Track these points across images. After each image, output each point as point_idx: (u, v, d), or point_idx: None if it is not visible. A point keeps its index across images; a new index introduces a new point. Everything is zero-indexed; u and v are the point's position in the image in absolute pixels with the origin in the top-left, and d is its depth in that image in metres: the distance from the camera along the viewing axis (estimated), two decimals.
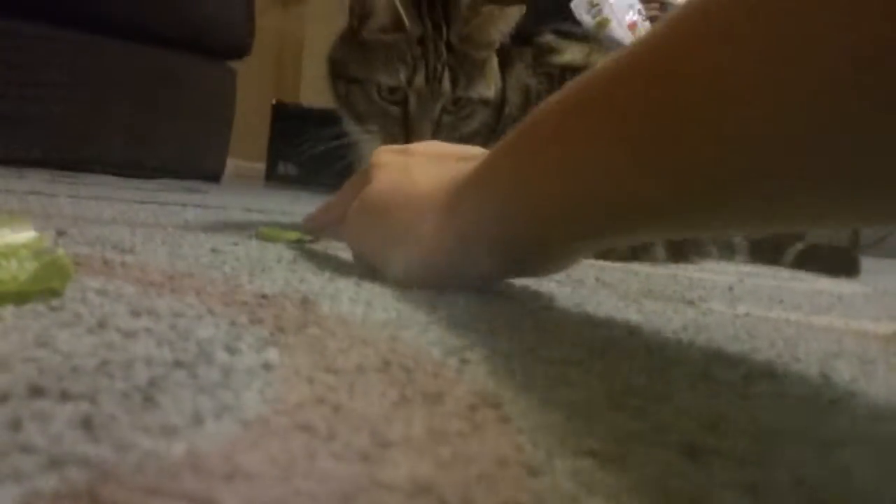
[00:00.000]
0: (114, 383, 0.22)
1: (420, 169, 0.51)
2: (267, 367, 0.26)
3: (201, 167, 2.15)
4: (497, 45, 0.86)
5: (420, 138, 0.77)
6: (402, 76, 0.80)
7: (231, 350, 0.28)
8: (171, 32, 1.99)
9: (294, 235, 0.70)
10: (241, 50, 2.24)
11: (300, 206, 1.41)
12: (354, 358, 0.29)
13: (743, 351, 0.41)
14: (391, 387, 0.26)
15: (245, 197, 1.64)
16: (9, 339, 0.26)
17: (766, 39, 0.26)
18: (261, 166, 3.13)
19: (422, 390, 0.26)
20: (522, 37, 0.93)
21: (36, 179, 1.30)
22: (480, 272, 0.48)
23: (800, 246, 1.29)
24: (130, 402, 0.21)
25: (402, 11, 0.80)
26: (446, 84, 0.81)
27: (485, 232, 0.44)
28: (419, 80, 0.80)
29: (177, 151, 2.06)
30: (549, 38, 0.96)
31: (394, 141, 0.76)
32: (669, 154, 0.31)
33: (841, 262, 1.22)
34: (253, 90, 2.90)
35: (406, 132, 0.80)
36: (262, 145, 3.08)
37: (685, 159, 0.31)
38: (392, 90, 0.81)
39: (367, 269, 0.53)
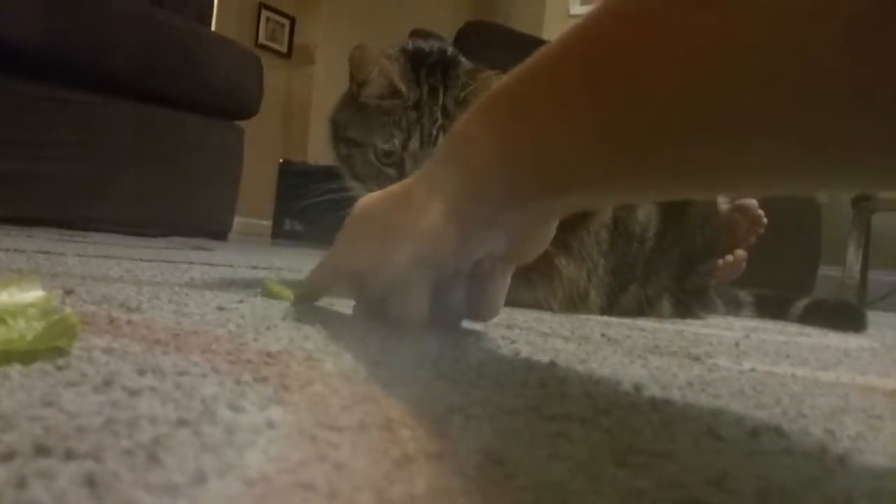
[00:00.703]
0: (118, 441, 0.23)
1: (401, 182, 0.55)
2: (270, 424, 0.26)
3: (209, 225, 2.17)
4: None
5: None
6: (397, 141, 0.82)
7: (235, 408, 0.28)
8: (181, 94, 2.03)
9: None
10: (249, 110, 2.28)
11: (306, 262, 1.42)
12: (357, 415, 0.29)
13: (748, 407, 0.40)
14: (394, 445, 0.26)
15: (251, 254, 1.65)
16: (15, 398, 0.26)
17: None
18: (267, 223, 3.16)
19: (424, 448, 0.26)
20: None
21: (44, 238, 1.31)
22: (473, 244, 0.50)
23: (806, 301, 1.29)
24: (134, 461, 0.21)
25: (397, 82, 0.82)
26: None
27: (470, 188, 0.47)
28: (414, 144, 0.82)
29: (184, 210, 2.08)
30: None
31: None
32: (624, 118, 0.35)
33: (848, 317, 1.22)
34: (261, 149, 2.94)
35: None
36: (269, 203, 3.11)
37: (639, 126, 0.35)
38: (388, 153, 0.83)
39: (369, 324, 0.53)
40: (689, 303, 1.12)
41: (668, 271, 1.09)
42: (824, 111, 0.27)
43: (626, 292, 1.03)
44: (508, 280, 0.57)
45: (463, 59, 0.91)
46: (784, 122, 0.29)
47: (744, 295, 1.31)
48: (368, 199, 0.57)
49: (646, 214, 1.04)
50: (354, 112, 0.87)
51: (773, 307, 1.29)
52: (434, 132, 0.83)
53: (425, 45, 0.91)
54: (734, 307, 1.28)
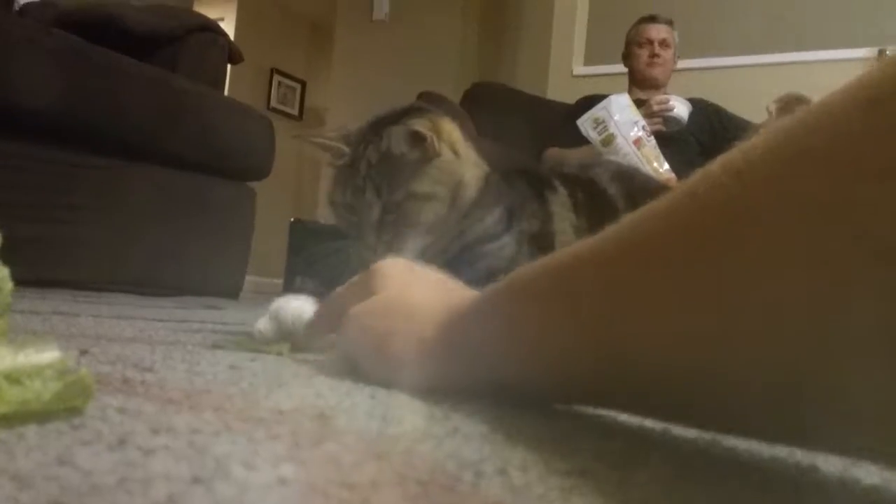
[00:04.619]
0: (133, 500, 0.23)
1: (423, 291, 0.56)
2: (283, 482, 0.27)
3: (220, 284, 2.18)
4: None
5: (367, 239, 0.99)
6: (337, 194, 1.02)
7: (248, 466, 0.28)
8: (194, 157, 2.06)
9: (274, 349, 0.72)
10: (261, 172, 2.31)
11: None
12: (369, 473, 0.29)
13: (761, 458, 0.40)
14: (406, 502, 0.26)
15: (262, 312, 1.65)
16: (31, 458, 0.27)
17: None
18: (279, 282, 3.17)
19: None
20: None
21: (59, 300, 1.32)
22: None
23: None
24: None
25: (341, 147, 1.01)
26: (370, 195, 0.98)
27: (469, 369, 0.48)
28: (348, 196, 1.00)
29: (197, 270, 2.09)
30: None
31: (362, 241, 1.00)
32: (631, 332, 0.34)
33: None
34: (272, 209, 2.98)
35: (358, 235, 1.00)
36: (280, 261, 3.12)
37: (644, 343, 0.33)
38: (342, 204, 1.02)
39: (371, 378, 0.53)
40: None
41: None
42: None
43: None
44: None
45: (421, 110, 1.04)
46: None
47: None
48: (392, 283, 0.57)
49: None
50: (331, 174, 1.06)
51: None
52: (360, 183, 0.98)
53: (397, 106, 1.06)
54: None
